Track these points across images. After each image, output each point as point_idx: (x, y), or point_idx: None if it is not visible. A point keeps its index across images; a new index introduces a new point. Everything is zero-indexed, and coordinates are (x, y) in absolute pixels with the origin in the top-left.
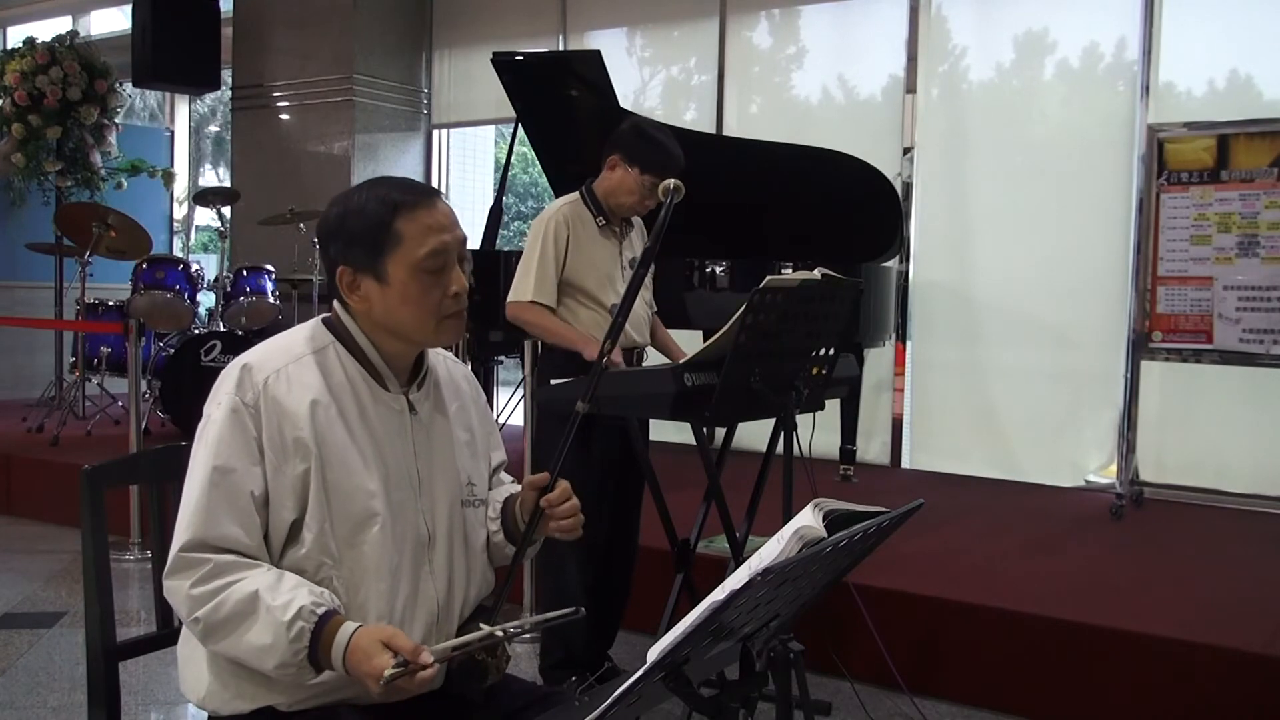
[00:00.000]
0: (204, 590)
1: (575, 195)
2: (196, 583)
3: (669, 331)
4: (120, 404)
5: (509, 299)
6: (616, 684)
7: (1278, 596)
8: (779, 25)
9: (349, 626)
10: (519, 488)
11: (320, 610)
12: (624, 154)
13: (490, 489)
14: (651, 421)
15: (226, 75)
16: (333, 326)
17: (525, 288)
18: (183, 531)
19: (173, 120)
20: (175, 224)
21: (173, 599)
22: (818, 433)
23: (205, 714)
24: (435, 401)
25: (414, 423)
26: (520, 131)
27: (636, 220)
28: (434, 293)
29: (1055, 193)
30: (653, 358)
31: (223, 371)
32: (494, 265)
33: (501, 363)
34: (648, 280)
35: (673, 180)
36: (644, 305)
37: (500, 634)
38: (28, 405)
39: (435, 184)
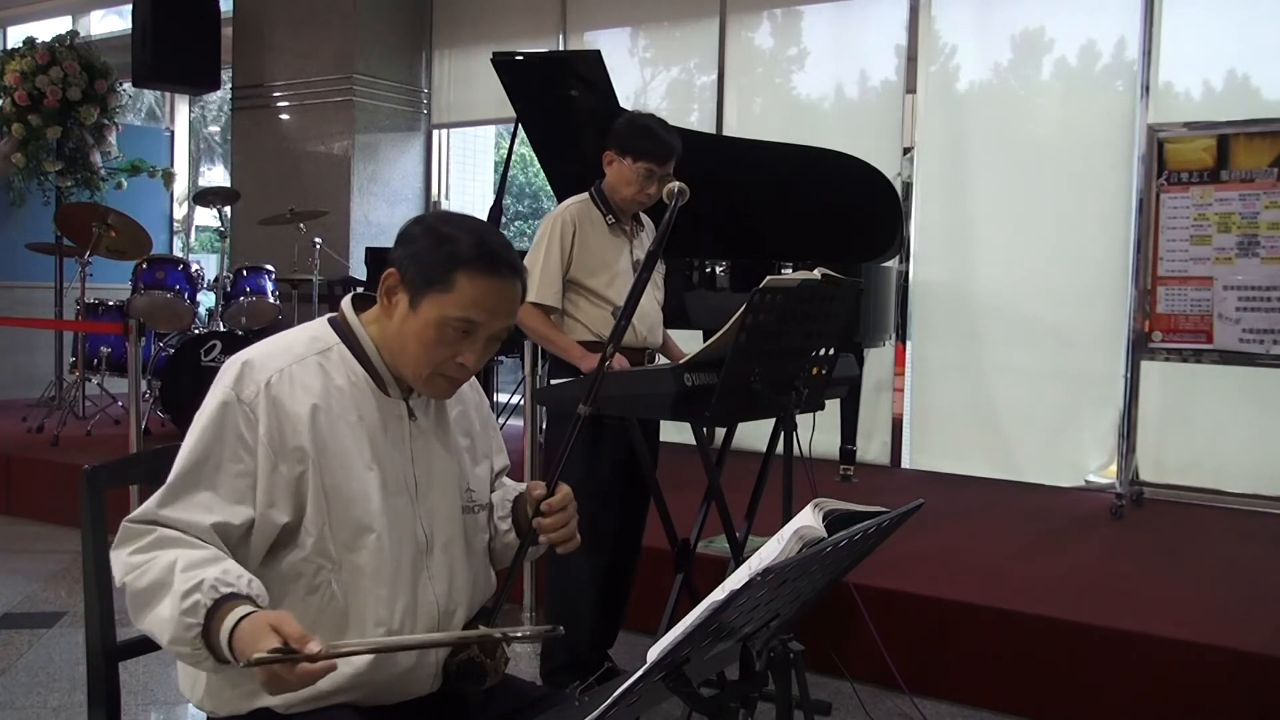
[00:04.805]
0: (140, 559)
1: (584, 195)
2: (136, 550)
3: (669, 332)
4: (120, 404)
5: None
6: (616, 684)
7: (1278, 596)
8: (780, 26)
9: (244, 609)
10: (524, 487)
11: (223, 590)
12: (616, 147)
13: (493, 491)
14: (660, 423)
15: (226, 75)
16: (339, 328)
17: (528, 289)
18: (141, 507)
19: (173, 120)
20: (175, 224)
21: (114, 569)
22: (818, 433)
23: (204, 714)
24: (436, 407)
25: (413, 429)
26: (520, 132)
27: (647, 222)
28: (444, 349)
29: (1055, 193)
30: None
31: (225, 364)
32: None
33: (501, 363)
34: (659, 280)
35: (678, 183)
36: (657, 306)
37: (500, 635)
38: (28, 405)
39: (435, 184)
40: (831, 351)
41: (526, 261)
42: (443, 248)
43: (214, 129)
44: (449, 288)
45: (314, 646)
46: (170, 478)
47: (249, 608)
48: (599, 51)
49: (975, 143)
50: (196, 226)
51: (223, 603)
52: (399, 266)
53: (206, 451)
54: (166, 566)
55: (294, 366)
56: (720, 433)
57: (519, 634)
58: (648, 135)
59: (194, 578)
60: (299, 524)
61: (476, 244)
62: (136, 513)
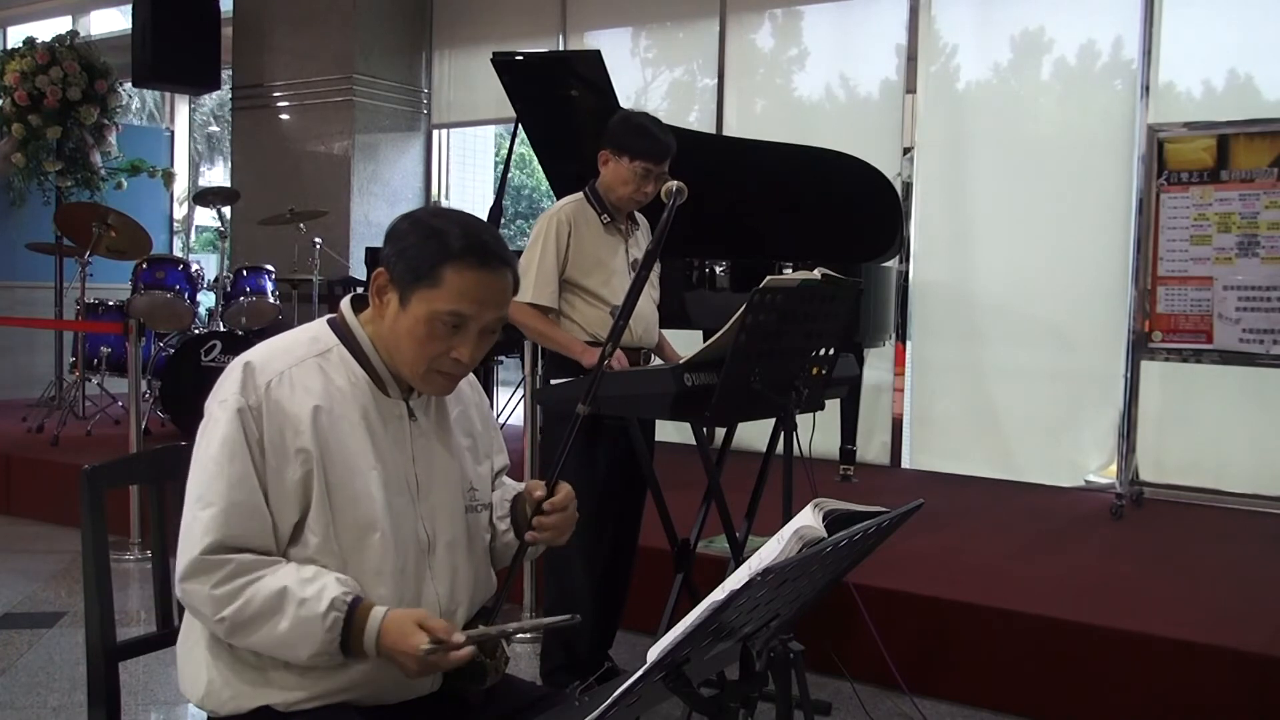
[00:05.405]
0: (228, 589)
1: (579, 195)
2: (219, 583)
3: (665, 334)
4: (120, 404)
5: None
6: (616, 684)
7: (1278, 596)
8: (780, 26)
9: (379, 610)
10: (523, 486)
11: (349, 598)
12: (612, 146)
13: (493, 490)
14: (656, 423)
15: (226, 75)
16: (338, 329)
17: (524, 289)
18: (202, 535)
19: (173, 120)
20: (175, 224)
21: (192, 601)
22: (818, 433)
23: (205, 714)
24: (437, 407)
25: (414, 429)
26: (520, 132)
27: (642, 220)
28: (437, 344)
29: (1055, 193)
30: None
31: (225, 369)
32: None
33: (501, 363)
34: (654, 279)
35: (676, 183)
36: (653, 306)
37: (515, 630)
38: (28, 405)
39: (435, 184)
40: (831, 351)
41: (522, 261)
42: (429, 243)
43: (214, 129)
44: (436, 282)
45: (459, 637)
46: (212, 500)
47: (379, 608)
48: (599, 51)
49: (975, 143)
50: (196, 226)
51: (354, 610)
52: (388, 265)
53: (238, 465)
54: (276, 592)
55: (294, 369)
56: (720, 433)
57: (549, 622)
58: (643, 134)
59: (322, 596)
60: (303, 521)
61: (462, 237)
62: (205, 544)
